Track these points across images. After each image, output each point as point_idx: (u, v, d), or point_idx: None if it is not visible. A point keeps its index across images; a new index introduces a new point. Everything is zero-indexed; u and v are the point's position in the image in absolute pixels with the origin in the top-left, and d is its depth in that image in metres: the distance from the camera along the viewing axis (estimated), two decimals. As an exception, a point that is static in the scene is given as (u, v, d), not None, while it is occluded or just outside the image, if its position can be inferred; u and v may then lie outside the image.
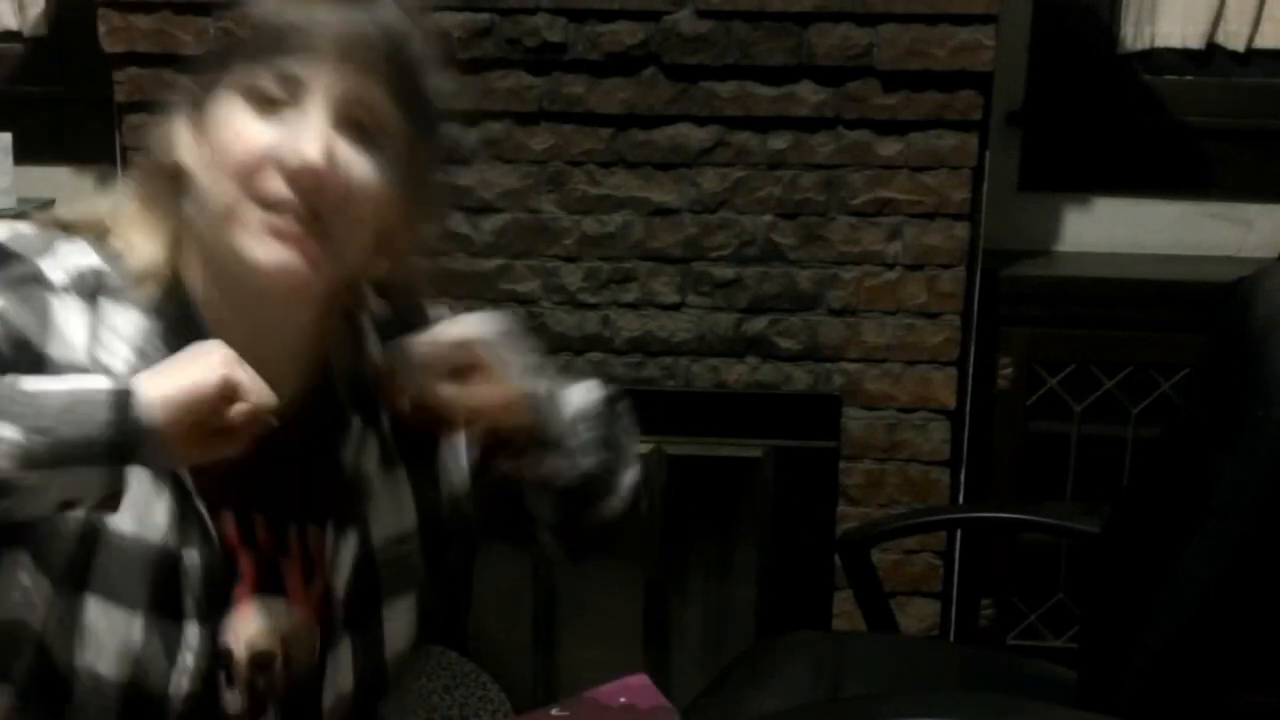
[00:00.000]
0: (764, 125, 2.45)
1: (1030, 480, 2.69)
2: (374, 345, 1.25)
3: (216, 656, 1.16)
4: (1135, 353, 2.64)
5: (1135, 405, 2.65)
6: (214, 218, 1.12)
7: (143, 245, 1.16)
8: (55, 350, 1.10)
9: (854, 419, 2.55)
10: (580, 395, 1.31)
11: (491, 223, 2.50)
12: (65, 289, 1.12)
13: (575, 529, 1.34)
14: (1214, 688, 1.64)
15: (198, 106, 1.14)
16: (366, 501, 1.23)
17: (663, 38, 2.40)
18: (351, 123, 1.11)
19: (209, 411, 1.02)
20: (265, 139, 1.10)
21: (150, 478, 1.11)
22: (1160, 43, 2.76)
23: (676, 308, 2.53)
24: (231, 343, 1.12)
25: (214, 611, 1.16)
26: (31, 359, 1.08)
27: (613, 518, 1.33)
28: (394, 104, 1.13)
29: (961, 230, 2.48)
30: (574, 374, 1.36)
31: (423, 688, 2.43)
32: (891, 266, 2.49)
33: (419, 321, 1.31)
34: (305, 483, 1.21)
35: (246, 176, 1.09)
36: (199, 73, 1.15)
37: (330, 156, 1.09)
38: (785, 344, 2.53)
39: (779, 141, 2.45)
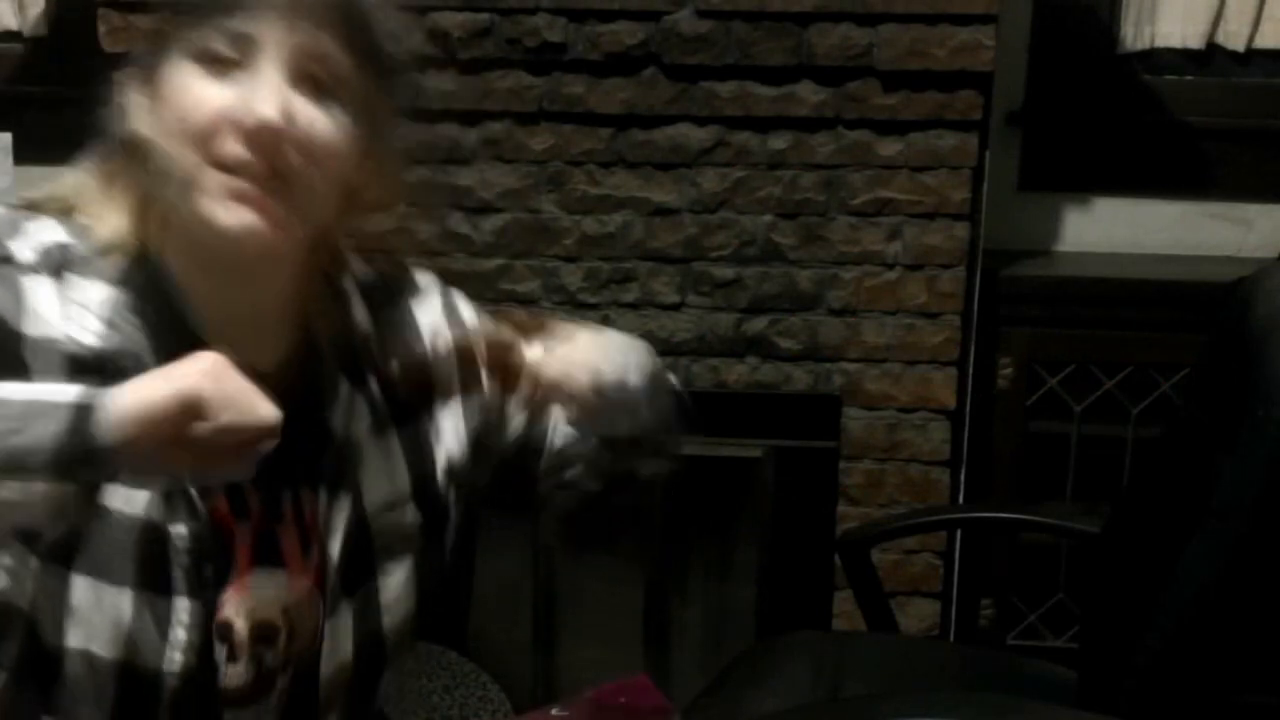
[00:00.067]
0: (764, 125, 2.45)
1: (1030, 480, 2.69)
2: (359, 309, 1.25)
3: (212, 631, 1.16)
4: (1135, 353, 2.64)
5: (1135, 405, 2.65)
6: (175, 186, 1.11)
7: (108, 218, 1.15)
8: (30, 328, 1.09)
9: (854, 419, 2.55)
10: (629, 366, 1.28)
11: (491, 223, 2.50)
12: (35, 267, 1.11)
13: (600, 484, 1.33)
14: (1214, 688, 1.64)
15: (150, 75, 1.12)
16: (358, 467, 1.23)
17: (663, 38, 2.40)
18: (307, 78, 1.10)
19: (172, 429, 0.98)
20: (220, 101, 1.08)
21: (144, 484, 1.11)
22: (1160, 43, 2.76)
23: (676, 308, 2.53)
24: (209, 310, 1.12)
25: (207, 585, 1.15)
26: (7, 338, 1.08)
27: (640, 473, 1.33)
28: (349, 55, 1.11)
29: (961, 230, 2.48)
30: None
31: (423, 688, 2.43)
32: (891, 266, 2.49)
33: (405, 286, 1.32)
34: (295, 449, 1.19)
35: (204, 141, 1.08)
36: (149, 40, 1.14)
37: (287, 113, 1.08)
38: (785, 344, 2.53)
39: (779, 141, 2.45)
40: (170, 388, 0.99)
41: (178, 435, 0.99)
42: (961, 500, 2.62)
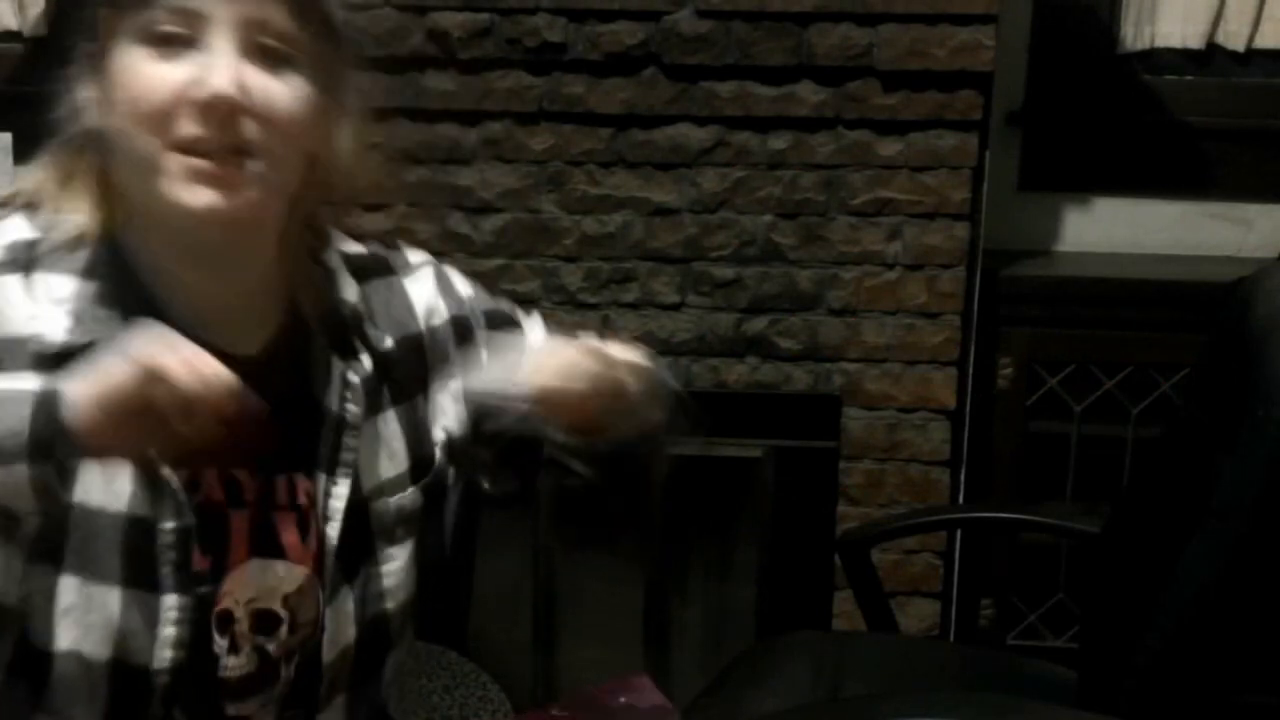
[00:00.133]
0: (764, 125, 2.45)
1: (1030, 480, 2.69)
2: (348, 287, 1.24)
3: (209, 623, 1.15)
4: (1135, 353, 2.64)
5: (1135, 405, 2.65)
6: (137, 172, 1.10)
7: (73, 211, 1.15)
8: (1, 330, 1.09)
9: (854, 419, 2.55)
10: (638, 359, 1.25)
11: (491, 223, 2.50)
12: (2, 266, 1.11)
13: (584, 469, 1.31)
14: (1214, 688, 1.64)
15: (99, 63, 1.11)
16: (356, 449, 1.21)
17: (663, 38, 2.40)
18: (258, 48, 1.09)
19: (137, 404, 0.98)
20: (172, 80, 1.07)
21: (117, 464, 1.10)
22: (1160, 43, 2.76)
23: (676, 308, 2.53)
24: (188, 297, 1.11)
25: (199, 579, 1.14)
26: None
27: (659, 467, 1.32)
28: (297, 21, 1.10)
29: (961, 230, 2.48)
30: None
31: (423, 688, 2.43)
32: (891, 266, 2.49)
33: (397, 263, 1.30)
34: (290, 432, 1.19)
35: (160, 123, 1.07)
36: (94, 27, 1.12)
37: (241, 85, 1.07)
38: (785, 344, 2.53)
39: (779, 141, 2.45)
40: (126, 361, 0.99)
41: (141, 407, 0.98)
42: (961, 500, 2.62)
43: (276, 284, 1.19)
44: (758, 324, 2.52)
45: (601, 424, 1.19)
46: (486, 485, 1.36)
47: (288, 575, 1.19)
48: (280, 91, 1.10)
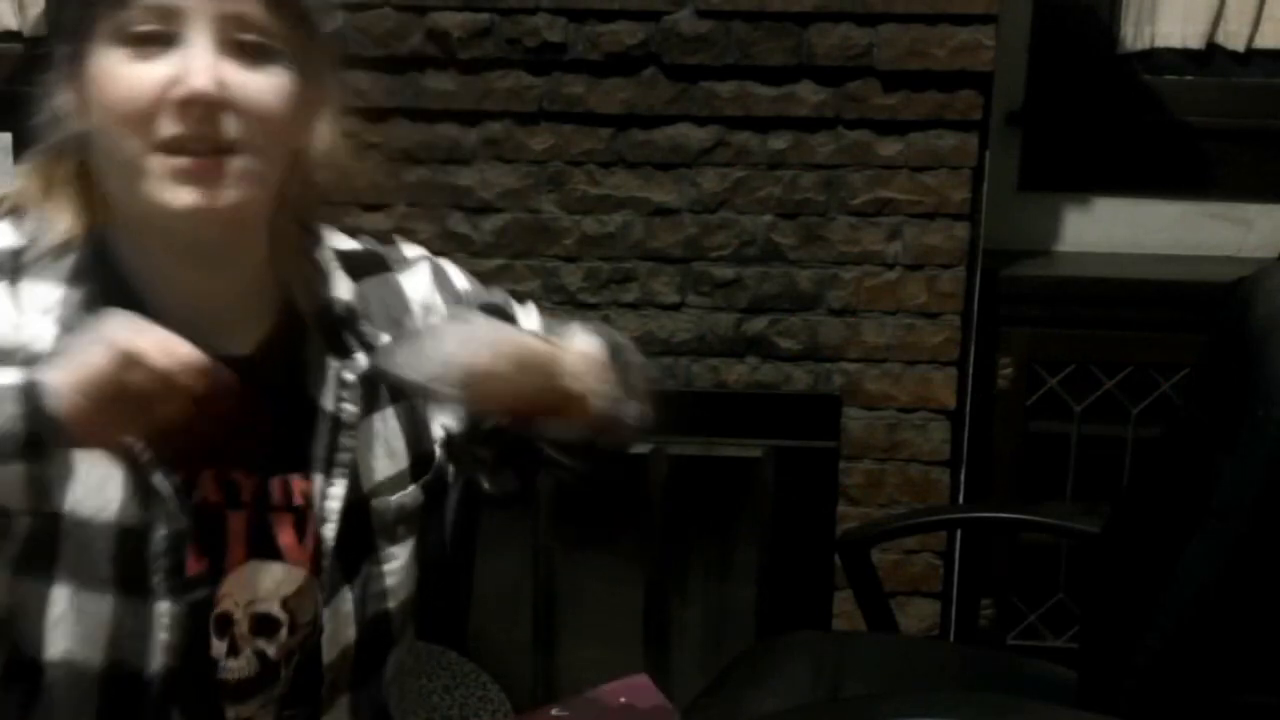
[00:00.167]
0: (764, 125, 2.45)
1: (1030, 480, 2.69)
2: (342, 284, 1.23)
3: (205, 627, 1.15)
4: (1135, 353, 2.64)
5: (1135, 405, 2.65)
6: (121, 175, 1.09)
7: (58, 217, 1.14)
8: None
9: (854, 419, 2.55)
10: (586, 343, 1.25)
11: (491, 223, 2.50)
12: None
13: (581, 463, 1.31)
14: (1214, 688, 1.64)
15: (78, 67, 1.10)
16: (354, 447, 1.21)
17: (663, 38, 2.40)
18: (236, 44, 1.08)
19: (115, 388, 0.98)
20: (151, 81, 1.06)
21: (105, 458, 1.10)
22: (1160, 43, 2.76)
23: (676, 308, 2.53)
24: (178, 298, 1.11)
25: (193, 584, 1.14)
26: None
27: (623, 447, 1.31)
28: (274, 14, 1.10)
29: (961, 230, 2.48)
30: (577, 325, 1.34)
31: (423, 688, 2.43)
32: (891, 266, 2.49)
33: (392, 259, 1.30)
34: (286, 432, 1.19)
35: (141, 124, 1.06)
36: (69, 31, 1.11)
37: (220, 82, 1.06)
38: (785, 344, 2.53)
39: (779, 141, 2.45)
40: (99, 348, 0.99)
41: (119, 391, 0.98)
42: (961, 500, 2.62)
43: (268, 282, 1.19)
44: (758, 324, 2.52)
45: (542, 416, 1.18)
46: (486, 485, 1.36)
47: (286, 577, 1.18)
48: (261, 86, 1.09)
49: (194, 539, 1.14)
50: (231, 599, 1.16)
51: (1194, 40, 2.75)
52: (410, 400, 1.25)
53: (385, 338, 1.24)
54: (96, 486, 1.10)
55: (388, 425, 1.25)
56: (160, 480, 1.12)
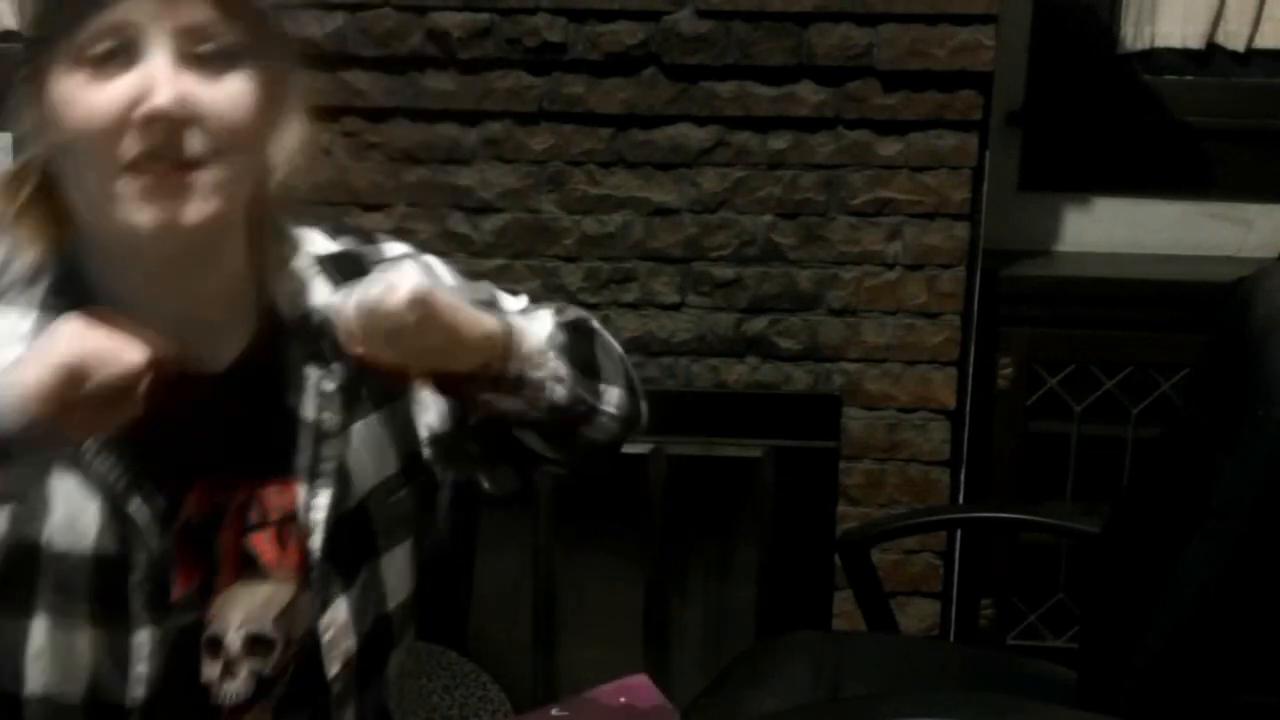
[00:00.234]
0: (764, 125, 2.45)
1: (1030, 480, 2.69)
2: (321, 289, 1.22)
3: (191, 651, 1.14)
4: (1135, 353, 2.64)
5: (1135, 405, 2.65)
6: (89, 197, 1.08)
7: (29, 242, 1.13)
8: None
9: (854, 419, 2.55)
10: (540, 325, 1.26)
11: (491, 223, 2.50)
12: None
13: (566, 455, 1.31)
14: (1214, 688, 1.64)
15: (38, 92, 1.08)
16: (339, 453, 1.20)
17: (663, 38, 2.40)
18: (195, 56, 1.07)
19: (69, 391, 0.98)
20: (112, 101, 1.05)
21: (80, 487, 1.09)
22: (1160, 43, 2.76)
23: (676, 308, 2.53)
24: (153, 317, 1.09)
25: (178, 607, 1.13)
26: None
27: (606, 437, 1.31)
28: (230, 20, 1.08)
29: (961, 230, 2.48)
30: (535, 303, 1.33)
31: (423, 688, 2.43)
32: (891, 266, 2.49)
33: (373, 259, 1.28)
34: (268, 443, 1.18)
35: (106, 146, 1.05)
36: (25, 58, 1.10)
37: (181, 97, 1.05)
38: (785, 344, 2.53)
39: (779, 141, 2.45)
40: (42, 363, 0.98)
41: (64, 404, 0.98)
42: (961, 500, 2.62)
43: (246, 292, 1.18)
44: (758, 324, 2.52)
45: (463, 382, 1.18)
46: (486, 484, 1.36)
47: (275, 593, 1.17)
48: (224, 96, 1.08)
49: (180, 562, 1.13)
50: (222, 621, 1.15)
51: (1194, 40, 2.75)
52: (394, 402, 1.25)
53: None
54: (72, 518, 1.10)
55: (375, 430, 1.23)
56: (137, 508, 1.11)
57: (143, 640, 1.12)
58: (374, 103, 2.44)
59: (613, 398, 1.30)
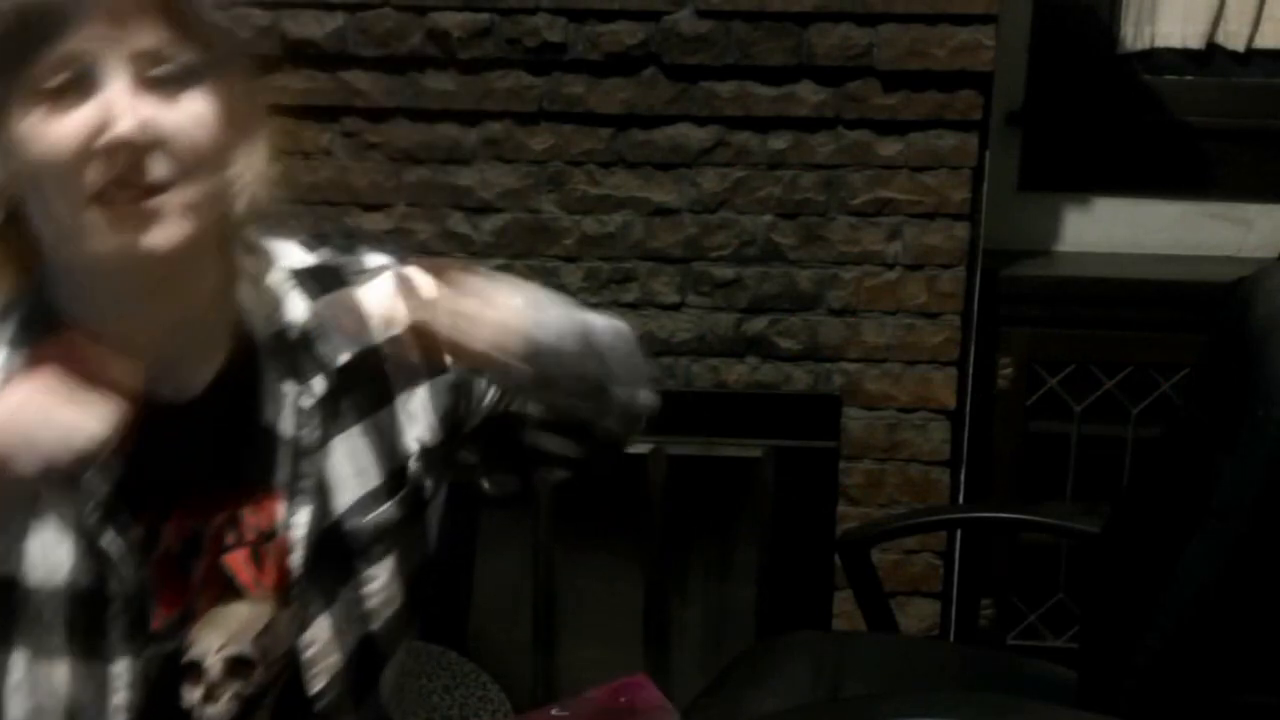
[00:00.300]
0: (764, 125, 2.45)
1: (1030, 480, 2.69)
2: (296, 304, 1.20)
3: (171, 679, 1.13)
4: (1135, 353, 2.64)
5: (1135, 405, 2.65)
6: (58, 231, 1.07)
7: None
8: None
9: (854, 419, 2.55)
10: (558, 326, 1.22)
11: (491, 223, 2.50)
12: None
13: (584, 451, 1.30)
14: (1214, 688, 1.64)
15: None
16: (318, 469, 1.19)
17: (663, 38, 2.40)
18: (151, 79, 1.05)
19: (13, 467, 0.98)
20: (73, 133, 1.03)
21: (53, 522, 1.09)
22: (1160, 43, 2.76)
23: (676, 308, 2.53)
24: (129, 343, 1.08)
25: (156, 636, 1.12)
26: None
27: (619, 432, 1.29)
28: (184, 40, 1.07)
29: (961, 230, 2.48)
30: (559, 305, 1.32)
31: (423, 688, 2.43)
32: (891, 266, 2.49)
33: (350, 270, 1.26)
34: (245, 462, 1.17)
35: (71, 178, 1.04)
36: None
37: (144, 124, 1.04)
38: (785, 344, 2.53)
39: (779, 141, 2.45)
40: None
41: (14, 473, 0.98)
42: (961, 500, 2.62)
43: (222, 311, 1.16)
44: (758, 324, 2.52)
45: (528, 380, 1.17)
46: (486, 485, 1.35)
47: (254, 614, 1.16)
48: (185, 118, 1.06)
49: (160, 591, 1.12)
50: (201, 645, 1.14)
51: (1194, 40, 2.75)
52: (377, 414, 1.23)
53: (343, 357, 1.21)
54: (46, 553, 1.09)
55: (355, 445, 1.22)
56: (111, 541, 1.10)
57: (120, 670, 1.11)
58: (374, 103, 2.44)
59: (623, 393, 1.28)
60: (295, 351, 1.19)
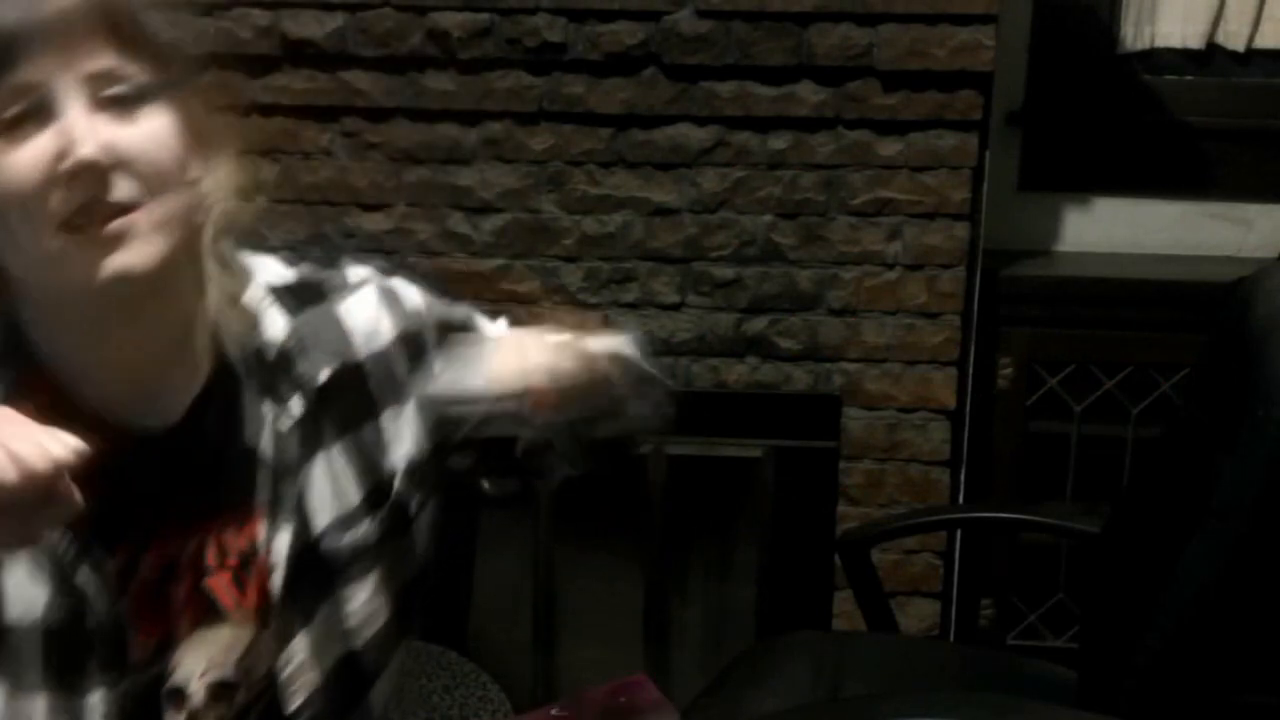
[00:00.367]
0: (764, 125, 2.45)
1: (1030, 480, 2.69)
2: (274, 322, 1.19)
3: (152, 707, 1.12)
4: (1135, 353, 2.64)
5: (1135, 405, 2.65)
6: (29, 262, 1.06)
7: None
8: None
9: (854, 419, 2.55)
10: (610, 343, 1.24)
11: (491, 223, 2.50)
12: None
13: (579, 455, 1.28)
14: (1214, 688, 1.64)
15: None
16: (298, 490, 1.17)
17: (663, 38, 2.40)
18: (106, 100, 1.05)
19: None
20: (34, 162, 1.02)
21: (28, 559, 1.08)
22: (1160, 43, 2.76)
23: (676, 308, 2.53)
24: (106, 371, 1.08)
25: (136, 666, 1.11)
26: None
27: (620, 437, 1.29)
28: (135, 58, 1.06)
29: (961, 230, 2.48)
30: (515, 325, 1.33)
31: (423, 688, 2.43)
32: (891, 266, 2.49)
33: (331, 285, 1.24)
34: (224, 484, 1.16)
35: (37, 207, 1.02)
36: None
37: (105, 145, 1.03)
38: (785, 344, 2.53)
39: (779, 141, 2.45)
40: None
41: None
42: (961, 500, 2.62)
43: (198, 335, 1.15)
44: (758, 324, 2.52)
45: (582, 411, 1.17)
46: (486, 486, 1.35)
47: (235, 637, 1.15)
48: (144, 136, 1.05)
49: (138, 621, 1.12)
50: (184, 671, 1.13)
51: (1194, 40, 2.75)
52: (358, 432, 1.22)
53: (324, 374, 1.19)
54: (20, 589, 1.08)
55: (335, 463, 1.20)
56: (85, 578, 1.09)
57: (96, 702, 1.10)
58: (374, 103, 2.44)
59: (633, 410, 1.28)
60: (274, 371, 1.17)
